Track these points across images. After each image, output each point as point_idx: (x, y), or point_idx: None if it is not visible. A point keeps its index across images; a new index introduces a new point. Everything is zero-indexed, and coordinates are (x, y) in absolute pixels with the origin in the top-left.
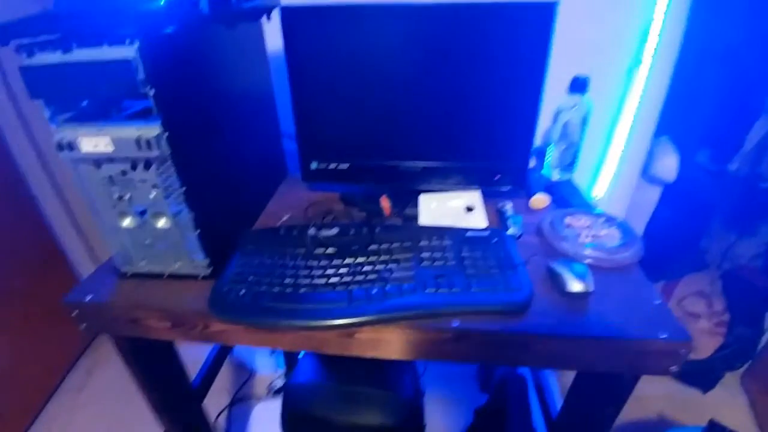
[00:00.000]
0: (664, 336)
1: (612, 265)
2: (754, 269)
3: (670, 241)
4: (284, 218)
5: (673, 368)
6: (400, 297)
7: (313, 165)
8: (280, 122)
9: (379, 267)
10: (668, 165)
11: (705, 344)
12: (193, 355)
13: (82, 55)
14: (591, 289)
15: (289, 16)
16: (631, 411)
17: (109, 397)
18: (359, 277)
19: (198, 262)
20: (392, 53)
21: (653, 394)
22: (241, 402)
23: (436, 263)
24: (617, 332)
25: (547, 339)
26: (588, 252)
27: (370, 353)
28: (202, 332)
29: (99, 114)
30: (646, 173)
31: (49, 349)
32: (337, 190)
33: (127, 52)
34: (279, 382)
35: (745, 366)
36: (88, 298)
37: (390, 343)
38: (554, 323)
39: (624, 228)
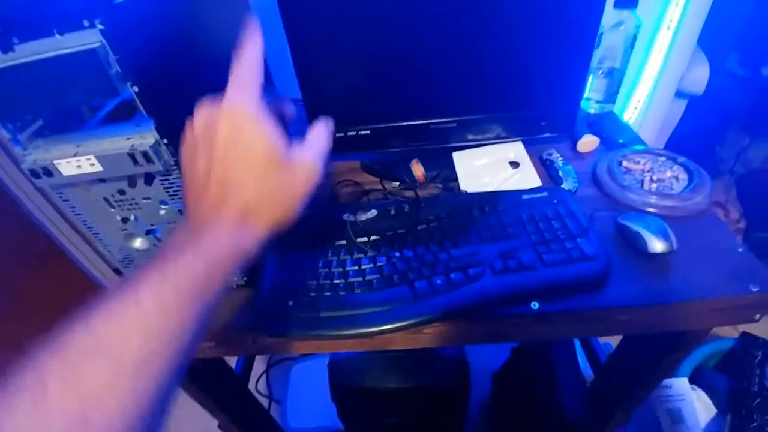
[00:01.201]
0: (756, 289)
1: (685, 213)
2: (767, 171)
3: (686, 150)
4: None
5: (758, 316)
6: (468, 284)
7: None
8: (277, 86)
9: (435, 250)
10: (700, 77)
11: None
12: None
13: (29, 53)
14: (675, 247)
15: None
16: None
17: None
18: (416, 265)
19: None
20: None
21: None
22: (277, 365)
23: (498, 237)
24: (706, 293)
25: (632, 310)
26: (656, 200)
27: (439, 345)
28: (252, 347)
29: (70, 118)
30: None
31: None
32: (357, 158)
33: (91, 39)
34: None
35: None
36: None
37: (461, 335)
38: (639, 291)
39: (687, 167)
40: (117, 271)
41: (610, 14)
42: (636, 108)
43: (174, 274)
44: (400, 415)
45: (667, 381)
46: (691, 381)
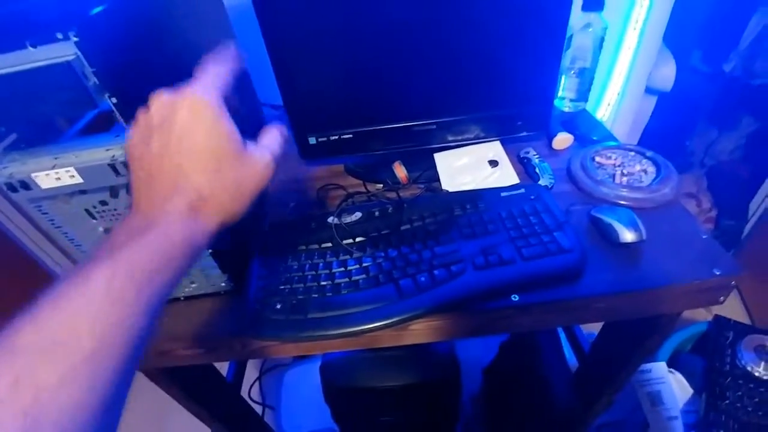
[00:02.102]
0: (718, 273)
1: (654, 204)
2: (734, 162)
3: (659, 145)
4: (291, 205)
5: (722, 298)
6: (451, 281)
7: (312, 140)
8: (258, 92)
9: (419, 249)
10: (667, 74)
11: None
12: None
13: (1, 67)
14: (644, 237)
15: None
16: None
17: (151, 411)
18: (401, 264)
19: (215, 278)
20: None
21: None
22: (270, 371)
23: (478, 234)
24: (674, 278)
25: (608, 298)
26: (627, 193)
27: (425, 341)
28: (241, 352)
29: (46, 131)
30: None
31: None
32: (341, 162)
33: (65, 51)
34: None
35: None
36: None
37: (447, 329)
38: (613, 279)
39: (655, 160)
40: None
41: (578, 17)
42: (609, 105)
43: (125, 263)
44: (393, 413)
45: (646, 366)
46: (669, 365)
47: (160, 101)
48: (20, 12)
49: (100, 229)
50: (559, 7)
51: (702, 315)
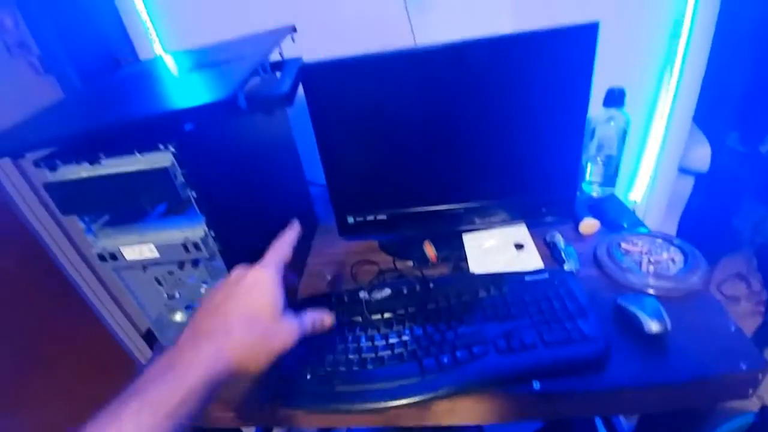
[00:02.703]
0: (745, 367)
1: (681, 293)
2: None
3: (704, 226)
4: (328, 278)
5: (751, 392)
6: (473, 362)
7: (350, 219)
8: (305, 171)
9: (443, 329)
10: (701, 155)
11: (747, 326)
12: None
13: (112, 166)
14: (669, 328)
15: (310, 73)
16: None
17: None
18: (425, 344)
19: None
20: (420, 96)
21: None
22: None
23: (501, 317)
24: (700, 371)
25: (631, 390)
26: (654, 282)
27: (447, 422)
28: (269, 419)
29: (135, 214)
30: (680, 165)
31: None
32: (376, 239)
33: (163, 159)
34: None
35: None
36: None
37: (468, 411)
38: (637, 371)
39: (684, 248)
40: (145, 336)
41: (600, 111)
42: (641, 188)
43: (150, 398)
44: None
45: None
46: None
47: (239, 269)
48: (133, 125)
49: (164, 295)
50: (577, 103)
51: (753, 404)
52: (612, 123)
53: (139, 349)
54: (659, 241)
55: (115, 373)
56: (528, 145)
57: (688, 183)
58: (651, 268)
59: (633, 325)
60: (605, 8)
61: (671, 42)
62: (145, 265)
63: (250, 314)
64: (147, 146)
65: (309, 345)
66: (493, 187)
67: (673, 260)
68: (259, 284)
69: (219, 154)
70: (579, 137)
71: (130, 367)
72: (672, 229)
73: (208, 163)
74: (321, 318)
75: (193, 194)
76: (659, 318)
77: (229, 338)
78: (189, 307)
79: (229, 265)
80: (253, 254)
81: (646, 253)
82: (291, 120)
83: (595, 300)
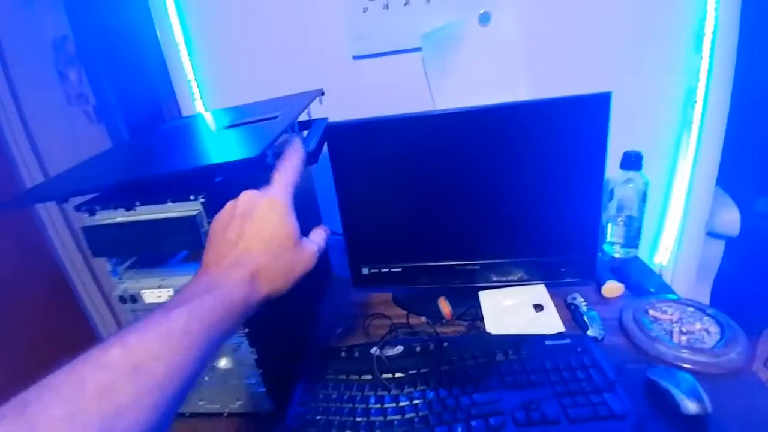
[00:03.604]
0: None
1: (720, 370)
2: None
3: (740, 295)
4: (339, 330)
5: None
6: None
7: (365, 270)
8: (322, 220)
9: (456, 393)
10: (730, 219)
11: None
12: None
13: (145, 213)
14: (709, 409)
15: (335, 133)
16: None
17: None
18: (438, 409)
19: (260, 399)
20: (439, 157)
21: None
22: None
23: (520, 384)
24: None
25: None
26: (688, 355)
27: None
28: None
29: (157, 259)
30: (708, 229)
31: None
32: (390, 291)
33: (193, 208)
34: None
35: None
36: None
37: None
38: None
39: (718, 319)
40: None
41: (618, 173)
42: (666, 250)
43: (197, 310)
44: None
45: None
46: None
47: (247, 196)
48: (169, 178)
49: None
50: (594, 166)
51: None
52: (631, 185)
53: None
54: (691, 309)
55: None
56: (546, 206)
57: (719, 247)
58: (683, 338)
59: (667, 404)
60: (619, 76)
61: (686, 108)
62: None
63: (272, 245)
64: (179, 196)
65: (315, 402)
66: (511, 245)
67: (707, 331)
68: (274, 212)
69: None
70: (597, 199)
71: None
72: (704, 298)
73: None
74: (323, 232)
75: None
76: (697, 397)
77: (258, 266)
78: None
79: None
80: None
81: (676, 322)
82: (313, 172)
83: (623, 371)
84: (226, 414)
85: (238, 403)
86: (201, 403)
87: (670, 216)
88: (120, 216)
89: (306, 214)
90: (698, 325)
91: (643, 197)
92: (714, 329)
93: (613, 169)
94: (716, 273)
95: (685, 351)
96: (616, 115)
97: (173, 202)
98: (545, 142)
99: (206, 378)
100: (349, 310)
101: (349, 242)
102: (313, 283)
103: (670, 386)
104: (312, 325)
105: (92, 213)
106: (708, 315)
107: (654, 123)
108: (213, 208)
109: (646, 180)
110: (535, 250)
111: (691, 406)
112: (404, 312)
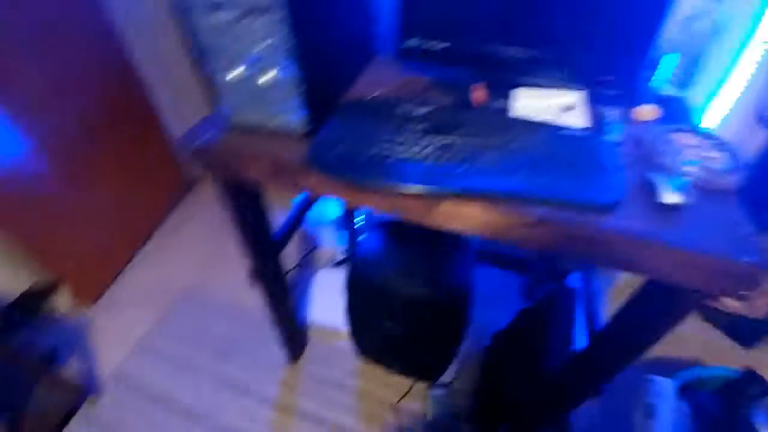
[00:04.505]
0: (747, 259)
1: (711, 187)
2: None
3: None
4: (375, 93)
5: (744, 293)
6: (486, 177)
7: (412, 42)
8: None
9: (467, 148)
10: None
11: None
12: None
13: None
14: (684, 201)
15: None
16: (665, 348)
17: (201, 238)
18: (447, 154)
19: (299, 120)
20: None
21: (692, 336)
22: (303, 268)
23: (526, 153)
24: (702, 247)
25: (629, 241)
26: (688, 169)
27: (447, 226)
28: (297, 182)
29: None
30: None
31: (151, 196)
32: (429, 74)
33: None
34: (339, 256)
35: None
36: (200, 141)
37: (469, 220)
38: (640, 228)
39: (734, 154)
40: None
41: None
42: (717, 113)
43: None
44: (398, 319)
45: (654, 377)
46: (682, 396)
47: None
48: None
49: (227, 44)
50: None
51: (737, 363)
52: (707, 16)
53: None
54: (713, 142)
55: (165, 187)
56: (606, 8)
57: (761, 137)
58: (690, 158)
59: (652, 194)
60: None
61: None
62: (214, 4)
63: None
64: None
65: (347, 128)
66: (563, 36)
67: (717, 160)
68: None
69: None
70: (663, 6)
71: (179, 182)
72: None
73: None
74: None
75: None
76: (679, 190)
77: None
78: (249, 64)
79: (291, 24)
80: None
81: (693, 147)
82: None
83: (625, 170)
84: (268, 129)
85: (279, 119)
86: (248, 116)
87: (737, 72)
88: None
89: None
90: (713, 154)
91: (716, 32)
92: (725, 160)
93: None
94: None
95: (687, 166)
96: None
97: None
98: None
99: (253, 94)
100: (387, 82)
101: (402, 8)
102: (359, 50)
103: (659, 180)
104: (350, 85)
105: None
106: (726, 150)
107: None
108: None
109: (725, 14)
110: (586, 47)
111: (669, 196)
112: (438, 93)
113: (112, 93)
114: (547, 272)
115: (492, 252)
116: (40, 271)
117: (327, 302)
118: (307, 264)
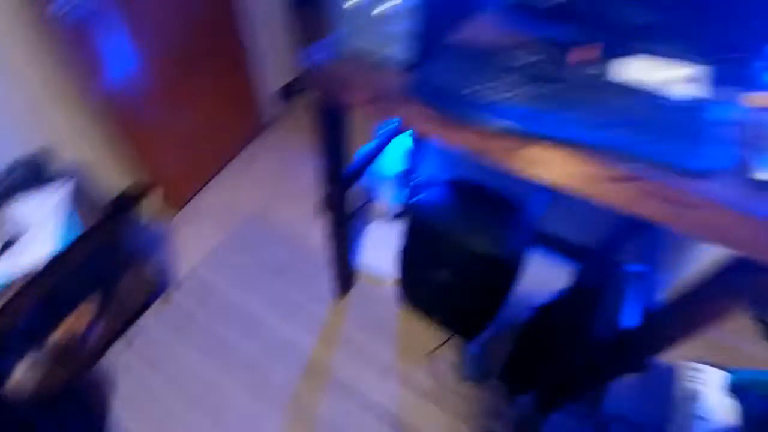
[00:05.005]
0: None
1: None
2: None
3: None
4: (478, 40)
5: None
6: (579, 128)
7: None
8: None
9: (564, 99)
10: None
11: None
12: None
13: None
14: None
15: None
16: (719, 357)
17: (271, 173)
18: (543, 103)
19: (406, 52)
20: None
21: (748, 351)
22: (357, 219)
23: (625, 111)
24: None
25: (722, 209)
26: None
27: (528, 171)
28: (393, 111)
29: None
30: None
31: (232, 128)
32: (535, 31)
33: None
34: (394, 211)
35: None
36: (312, 61)
37: (554, 167)
38: (734, 200)
39: None
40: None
41: None
42: None
43: None
44: (455, 270)
45: (700, 365)
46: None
47: None
48: None
49: None
50: None
51: None
52: None
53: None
54: None
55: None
56: None
57: None
58: None
59: (750, 172)
60: None
61: None
62: None
63: None
64: None
65: (448, 66)
66: (693, 3)
67: None
68: None
69: None
70: None
71: (256, 121)
72: None
73: None
74: None
75: None
76: None
77: None
78: None
79: None
80: None
81: None
82: None
83: (727, 144)
84: (375, 59)
85: (387, 50)
86: (358, 43)
87: None
88: None
89: None
90: None
91: None
92: None
93: None
94: None
95: None
96: None
97: None
98: None
99: (365, 24)
100: (492, 31)
101: None
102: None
103: (756, 157)
104: (455, 32)
105: None
106: None
107: None
108: None
109: None
110: (712, 25)
111: (764, 174)
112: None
113: (215, 26)
114: (601, 263)
115: (550, 234)
116: (139, 176)
117: (377, 251)
118: (362, 215)
